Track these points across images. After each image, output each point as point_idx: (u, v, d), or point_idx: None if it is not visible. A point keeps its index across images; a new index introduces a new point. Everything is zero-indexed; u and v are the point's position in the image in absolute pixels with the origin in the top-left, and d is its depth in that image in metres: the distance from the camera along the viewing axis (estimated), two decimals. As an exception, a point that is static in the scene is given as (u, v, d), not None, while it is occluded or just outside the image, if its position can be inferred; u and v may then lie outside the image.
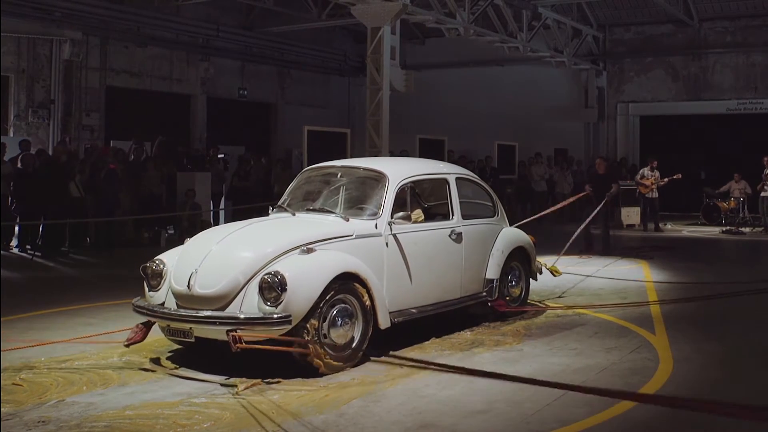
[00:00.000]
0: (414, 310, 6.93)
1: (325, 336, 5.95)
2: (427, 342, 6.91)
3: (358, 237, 6.47)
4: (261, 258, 5.99)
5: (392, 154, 15.58)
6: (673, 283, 10.61)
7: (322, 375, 5.80)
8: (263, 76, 22.85)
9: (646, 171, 18.66)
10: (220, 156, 18.72)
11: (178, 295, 6.04)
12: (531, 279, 8.65)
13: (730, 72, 22.44)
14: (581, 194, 13.54)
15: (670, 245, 15.57)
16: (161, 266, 6.31)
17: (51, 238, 13.71)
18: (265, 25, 21.34)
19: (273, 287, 5.75)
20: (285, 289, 5.72)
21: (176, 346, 6.55)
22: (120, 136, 17.71)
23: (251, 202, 16.03)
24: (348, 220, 6.63)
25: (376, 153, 14.29)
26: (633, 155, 23.85)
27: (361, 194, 7.09)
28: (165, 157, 16.61)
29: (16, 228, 13.75)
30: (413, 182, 7.25)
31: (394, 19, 14.77)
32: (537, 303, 8.87)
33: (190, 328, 5.90)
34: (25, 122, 17.13)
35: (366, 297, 6.24)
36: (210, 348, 6.11)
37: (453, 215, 7.55)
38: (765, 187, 17.19)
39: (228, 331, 5.62)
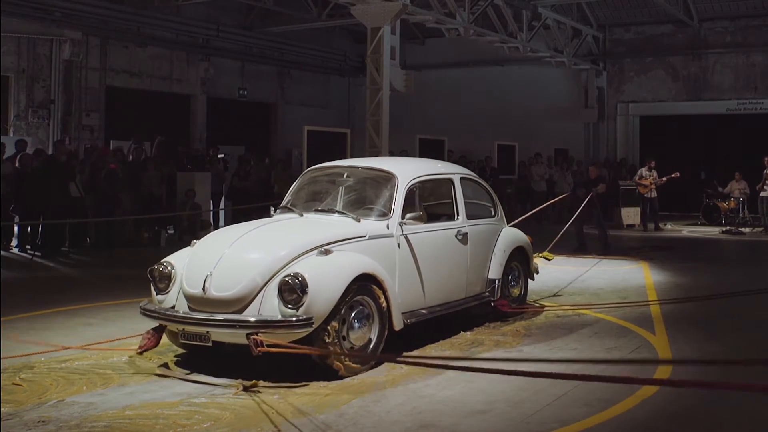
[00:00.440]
0: (424, 311, 6.92)
1: (344, 338, 5.92)
2: (426, 342, 6.91)
3: (371, 238, 6.43)
4: (279, 259, 5.90)
5: (392, 154, 15.57)
6: (673, 283, 10.62)
7: (341, 378, 5.74)
8: (263, 76, 22.84)
9: (644, 171, 18.70)
10: (220, 156, 18.72)
11: (191, 298, 5.93)
12: (529, 279, 8.66)
13: (730, 72, 22.43)
14: (563, 195, 13.86)
15: (670, 245, 15.58)
16: (169, 269, 6.20)
17: (51, 238, 13.71)
18: (265, 25, 21.35)
19: (294, 289, 5.67)
20: (306, 291, 5.65)
21: (177, 348, 6.53)
22: (120, 136, 17.71)
23: (251, 202, 16.03)
24: (360, 221, 6.60)
25: (376, 153, 14.28)
26: (633, 155, 23.85)
27: (368, 195, 7.06)
28: (165, 157, 16.61)
29: (16, 228, 13.76)
30: (421, 182, 7.22)
31: (394, 19, 14.77)
32: (537, 303, 8.88)
33: (207, 332, 5.80)
34: (25, 122, 17.13)
35: (382, 298, 6.22)
36: (210, 349, 6.08)
37: (458, 215, 7.53)
38: (765, 187, 17.20)
39: (248, 334, 5.56)
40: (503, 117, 23.88)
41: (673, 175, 18.08)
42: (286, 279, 5.72)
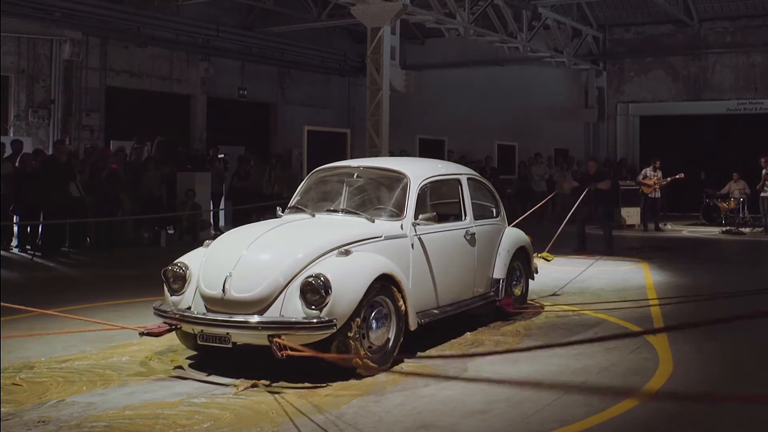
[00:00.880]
0: (436, 311, 6.93)
1: (364, 337, 5.91)
2: (427, 342, 6.90)
3: (387, 238, 6.43)
4: (300, 260, 5.88)
5: (392, 154, 15.57)
6: (673, 283, 10.62)
7: (360, 377, 5.73)
8: (263, 76, 22.85)
9: (648, 171, 18.67)
10: (220, 156, 18.73)
11: (209, 299, 5.86)
12: (529, 278, 8.69)
13: (730, 72, 22.44)
14: (552, 194, 13.74)
15: (670, 245, 15.57)
16: (184, 269, 6.14)
17: (51, 238, 13.70)
18: (265, 25, 21.35)
19: (317, 290, 5.63)
20: (329, 292, 5.62)
21: (176, 347, 6.53)
22: (120, 136, 17.71)
23: (251, 202, 16.04)
24: (374, 221, 6.59)
25: (376, 153, 14.28)
26: (633, 155, 23.86)
27: (379, 195, 7.03)
28: (165, 158, 16.61)
29: (16, 228, 13.75)
30: (432, 183, 7.21)
31: (394, 19, 14.77)
32: (538, 303, 8.88)
33: (228, 333, 5.74)
34: (25, 122, 17.14)
35: (400, 299, 6.22)
36: (210, 349, 6.08)
37: (466, 216, 7.54)
38: (765, 187, 17.20)
39: (270, 336, 5.54)
40: (503, 117, 23.88)
41: (677, 176, 18.07)
42: (309, 280, 5.68)
